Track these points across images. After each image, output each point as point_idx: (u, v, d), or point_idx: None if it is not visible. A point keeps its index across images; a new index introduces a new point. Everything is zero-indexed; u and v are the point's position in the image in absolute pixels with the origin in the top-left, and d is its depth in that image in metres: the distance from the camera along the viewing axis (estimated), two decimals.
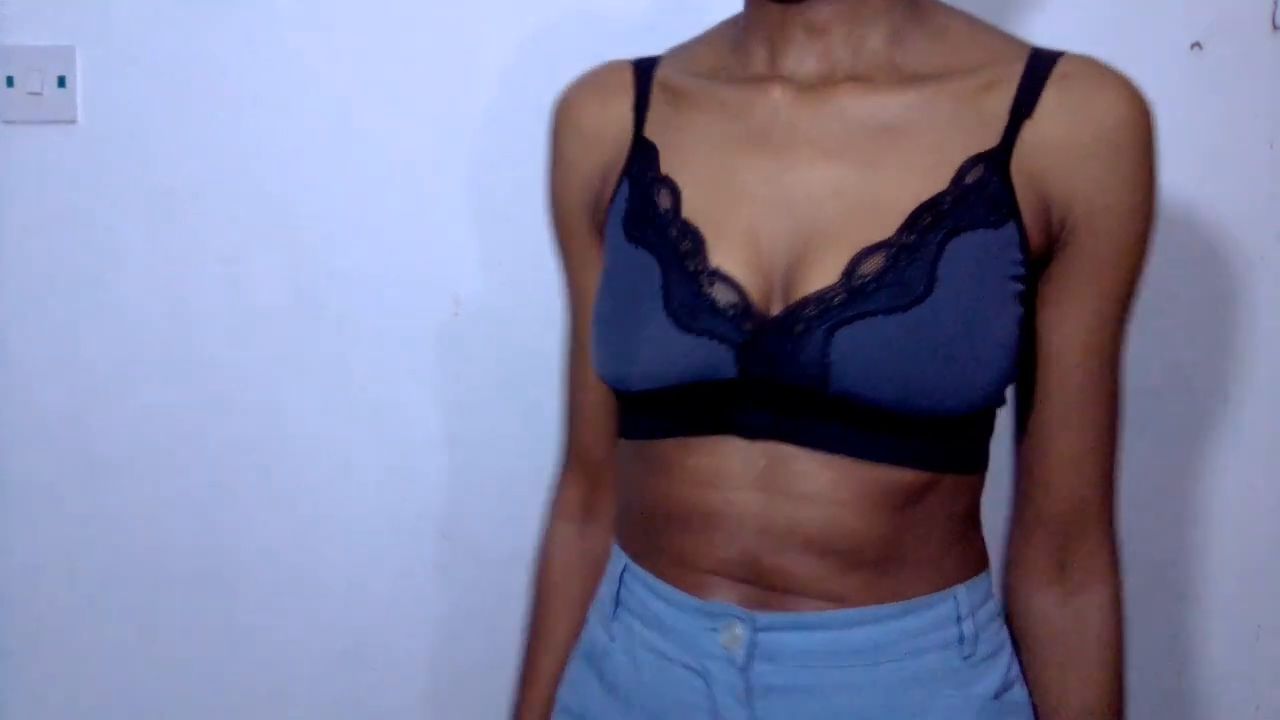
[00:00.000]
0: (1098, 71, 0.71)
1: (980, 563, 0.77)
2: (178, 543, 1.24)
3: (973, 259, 0.68)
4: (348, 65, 1.18)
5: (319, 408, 1.22)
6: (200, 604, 1.25)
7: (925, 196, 0.69)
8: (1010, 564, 0.80)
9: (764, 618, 0.70)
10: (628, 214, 0.77)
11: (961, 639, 0.73)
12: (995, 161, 0.70)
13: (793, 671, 0.70)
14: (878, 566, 0.71)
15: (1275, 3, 1.14)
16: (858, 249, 0.69)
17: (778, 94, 0.74)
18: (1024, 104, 0.70)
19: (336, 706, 1.26)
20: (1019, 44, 0.73)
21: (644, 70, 0.83)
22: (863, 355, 0.66)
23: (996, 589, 0.80)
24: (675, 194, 0.75)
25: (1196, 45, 1.15)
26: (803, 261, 0.70)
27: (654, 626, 0.75)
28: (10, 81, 1.17)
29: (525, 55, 1.18)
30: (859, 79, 0.73)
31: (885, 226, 0.69)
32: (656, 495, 0.74)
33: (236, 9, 1.18)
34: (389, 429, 1.22)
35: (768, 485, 0.70)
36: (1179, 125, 1.16)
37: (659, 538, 0.75)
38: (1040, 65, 0.71)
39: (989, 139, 0.70)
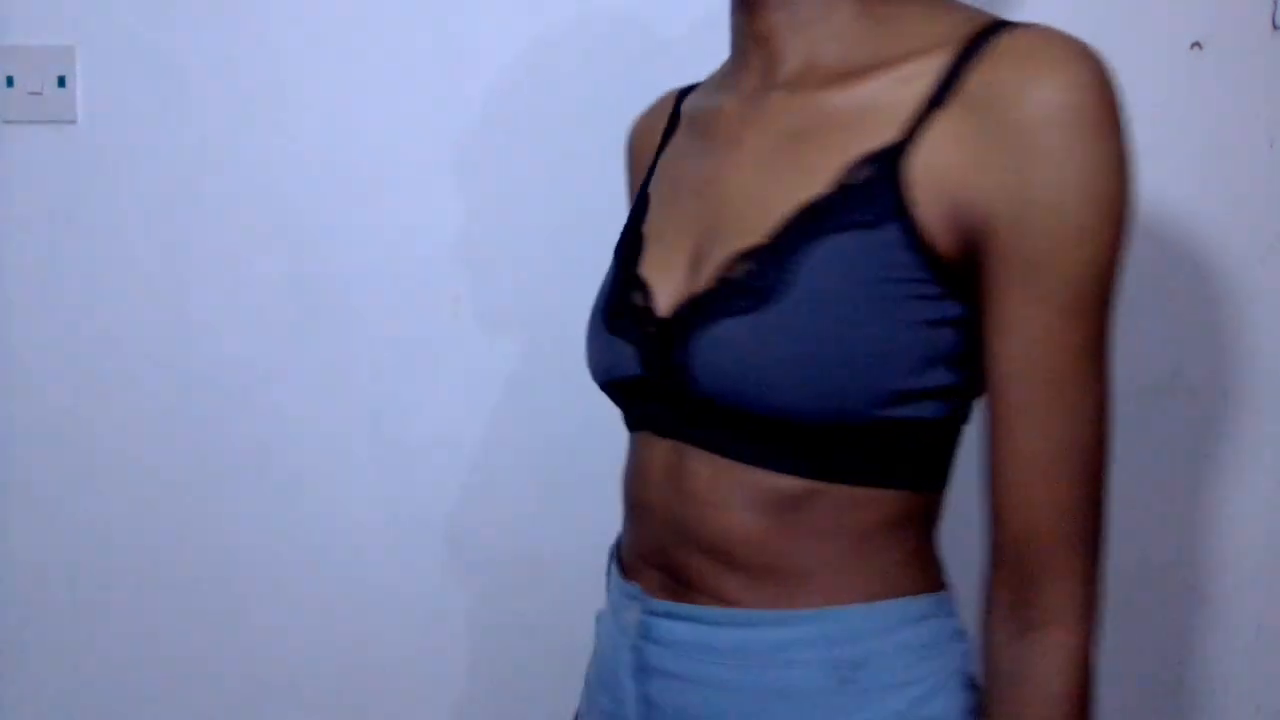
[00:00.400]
0: (1036, 45, 0.63)
1: (906, 586, 0.71)
2: (178, 543, 1.24)
3: (842, 261, 0.66)
4: (347, 65, 1.18)
5: (319, 408, 1.22)
6: (200, 604, 1.25)
7: (807, 199, 0.68)
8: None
9: (660, 604, 0.74)
10: (621, 230, 0.84)
11: (837, 662, 0.69)
12: (887, 159, 0.66)
13: (676, 659, 0.73)
14: (755, 572, 0.71)
15: (1275, 3, 1.14)
16: (736, 253, 0.69)
17: (728, 106, 0.77)
18: (942, 92, 0.65)
19: (337, 706, 1.26)
20: (974, 24, 0.67)
21: (681, 97, 0.90)
22: (716, 357, 0.67)
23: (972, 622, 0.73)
24: (644, 209, 0.82)
25: (1196, 45, 1.15)
26: (696, 266, 0.73)
27: (609, 604, 0.81)
28: (10, 81, 1.17)
29: (525, 56, 1.18)
30: (791, 84, 0.73)
31: (765, 231, 0.69)
32: (624, 483, 0.81)
33: (236, 9, 1.18)
34: (389, 429, 1.23)
35: (672, 482, 0.73)
36: (1179, 125, 1.16)
37: (624, 523, 0.81)
38: (981, 45, 0.65)
39: (889, 134, 0.67)
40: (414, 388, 1.22)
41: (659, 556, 0.75)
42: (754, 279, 0.67)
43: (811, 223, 0.67)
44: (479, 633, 1.24)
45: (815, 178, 0.68)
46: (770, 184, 0.71)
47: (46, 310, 1.22)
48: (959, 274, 0.66)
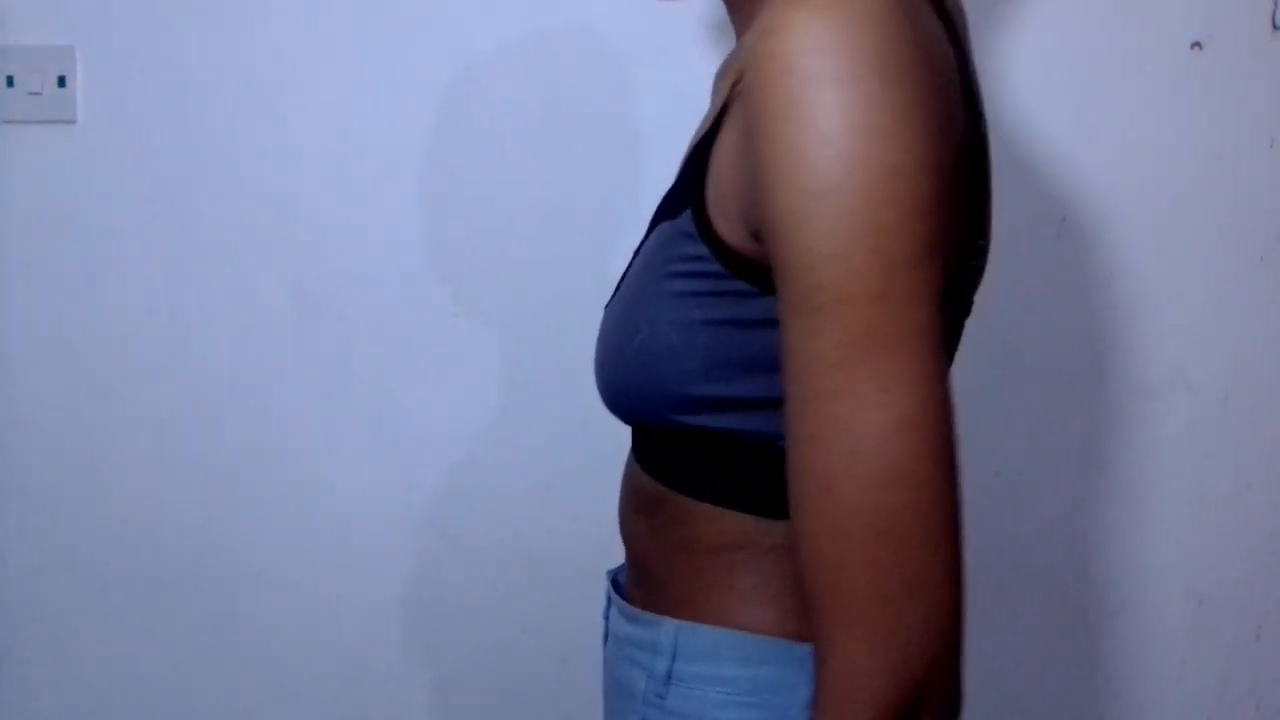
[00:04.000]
0: (783, 5, 0.51)
1: (744, 621, 0.62)
2: (178, 543, 1.24)
3: (648, 252, 0.62)
4: (347, 65, 1.18)
5: (319, 408, 1.22)
6: (200, 604, 1.25)
7: (668, 189, 0.66)
8: None
9: (617, 580, 0.77)
10: None
11: (653, 673, 0.64)
12: (704, 145, 0.60)
13: (610, 643, 0.75)
14: (637, 569, 0.72)
15: (1275, 3, 1.14)
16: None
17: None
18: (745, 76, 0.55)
19: (336, 706, 1.26)
20: None
21: None
22: (597, 353, 0.68)
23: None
24: None
25: (1196, 45, 1.15)
26: None
27: None
28: (10, 81, 1.17)
29: (525, 55, 1.18)
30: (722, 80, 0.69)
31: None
32: None
33: (236, 9, 1.18)
34: (389, 429, 1.22)
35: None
36: (1179, 125, 1.16)
37: None
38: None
39: (711, 120, 0.62)
40: (414, 388, 1.22)
41: None
42: (625, 272, 0.68)
43: (659, 213, 0.65)
44: (479, 632, 1.24)
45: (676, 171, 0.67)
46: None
47: (46, 310, 1.22)
48: (764, 270, 0.55)
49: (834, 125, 0.48)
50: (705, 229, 0.57)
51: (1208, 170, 1.16)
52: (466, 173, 1.19)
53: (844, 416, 0.49)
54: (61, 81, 1.17)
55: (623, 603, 0.71)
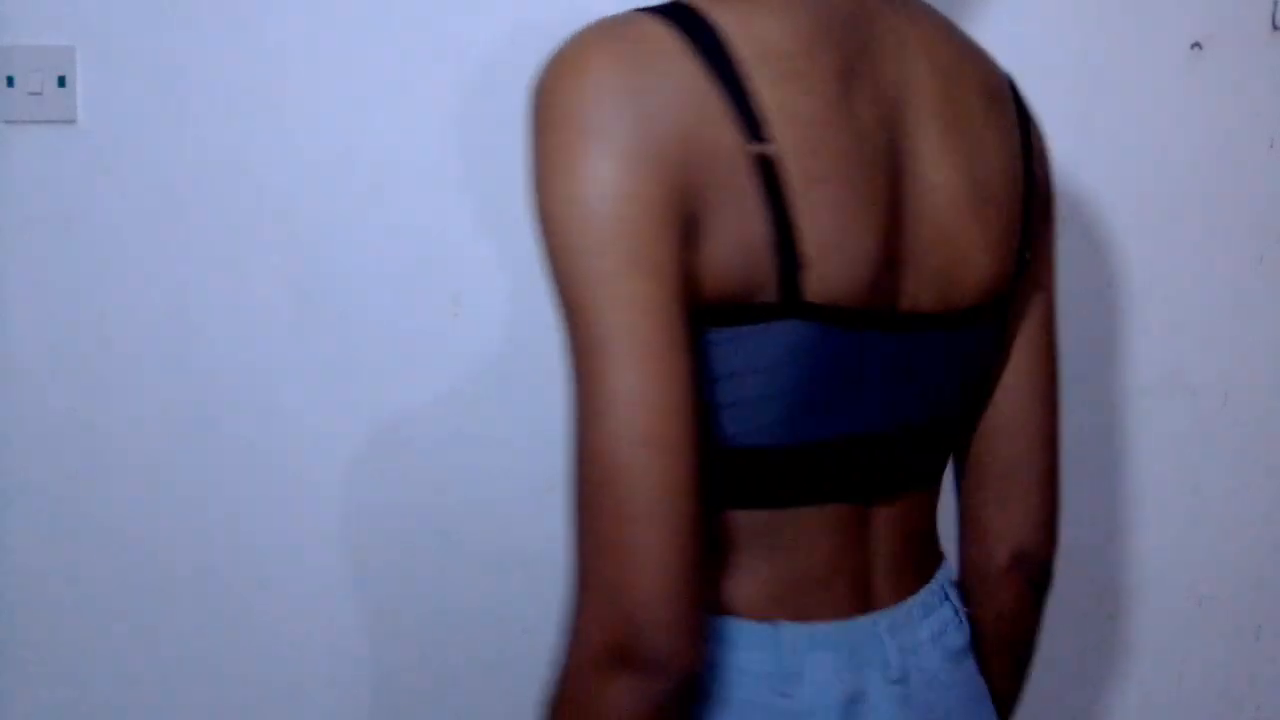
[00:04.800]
0: None
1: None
2: (178, 543, 1.24)
3: None
4: (348, 65, 1.18)
5: (319, 408, 1.22)
6: (199, 604, 1.25)
7: None
8: None
9: None
10: None
11: None
12: None
13: None
14: None
15: (1275, 3, 1.14)
16: None
17: None
18: None
19: (336, 706, 1.26)
20: None
21: None
22: None
23: None
24: None
25: (1196, 45, 1.15)
26: None
27: None
28: (10, 81, 1.17)
29: (526, 55, 1.18)
30: None
31: None
32: None
33: (236, 9, 1.18)
34: (389, 429, 1.22)
35: None
36: (1179, 125, 1.16)
37: None
38: None
39: None
40: (414, 388, 1.22)
41: None
42: None
43: None
44: (479, 633, 1.24)
45: None
46: None
47: (46, 310, 1.22)
48: None
49: (539, 168, 0.61)
50: None
51: (1208, 170, 1.16)
52: (467, 173, 1.19)
53: (573, 402, 0.61)
54: (61, 81, 1.17)
55: None
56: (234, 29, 1.18)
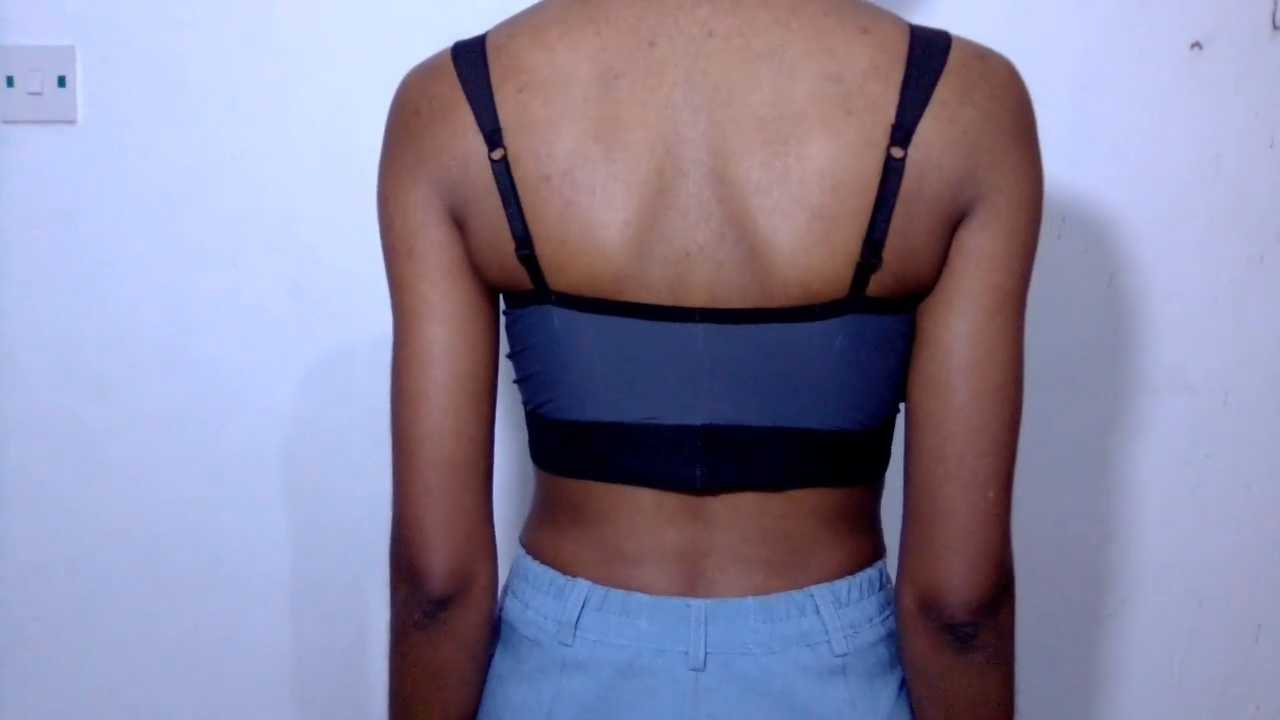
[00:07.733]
0: None
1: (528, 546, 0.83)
2: (178, 543, 1.24)
3: None
4: (347, 65, 1.18)
5: (319, 408, 1.22)
6: (200, 604, 1.25)
7: None
8: None
9: None
10: None
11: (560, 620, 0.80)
12: None
13: None
14: None
15: (1275, 3, 1.14)
16: None
17: None
18: None
19: (336, 706, 1.26)
20: None
21: None
22: None
23: None
24: None
25: (1196, 45, 1.15)
26: None
27: None
28: (10, 81, 1.17)
29: None
30: None
31: None
32: None
33: (236, 9, 1.18)
34: (389, 429, 1.22)
35: None
36: (1179, 125, 1.16)
37: None
38: None
39: None
40: None
41: None
42: None
43: None
44: None
45: None
46: None
47: (46, 310, 1.22)
48: None
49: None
50: None
51: (1208, 170, 1.16)
52: None
53: None
54: (61, 81, 1.17)
55: None
56: (234, 29, 1.18)
